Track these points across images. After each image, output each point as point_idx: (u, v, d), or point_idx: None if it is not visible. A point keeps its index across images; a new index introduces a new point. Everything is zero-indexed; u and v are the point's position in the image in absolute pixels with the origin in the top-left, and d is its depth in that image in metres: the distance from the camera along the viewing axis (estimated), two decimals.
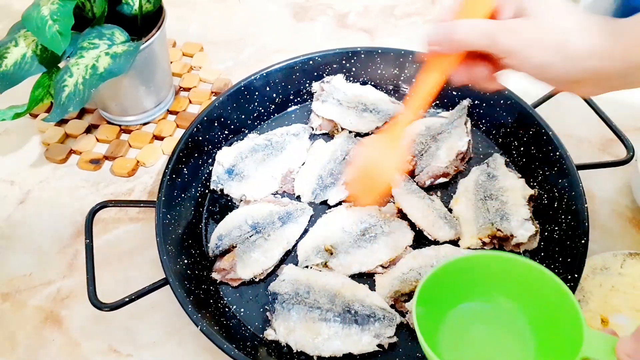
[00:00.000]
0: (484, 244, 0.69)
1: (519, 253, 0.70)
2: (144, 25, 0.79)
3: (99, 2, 0.74)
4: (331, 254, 0.68)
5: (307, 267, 0.68)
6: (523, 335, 0.52)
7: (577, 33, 0.45)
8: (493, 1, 0.48)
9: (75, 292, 0.70)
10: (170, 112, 0.91)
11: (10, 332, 0.66)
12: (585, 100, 0.79)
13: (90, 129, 0.88)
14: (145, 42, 0.76)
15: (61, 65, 0.73)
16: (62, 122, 0.88)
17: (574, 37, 0.45)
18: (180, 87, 0.94)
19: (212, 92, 0.94)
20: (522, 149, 0.79)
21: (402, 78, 0.88)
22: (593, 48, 0.44)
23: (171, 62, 0.95)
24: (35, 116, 0.90)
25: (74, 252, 0.74)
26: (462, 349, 0.52)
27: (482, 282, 0.54)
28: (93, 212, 0.67)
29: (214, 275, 0.68)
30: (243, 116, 0.83)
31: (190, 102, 0.92)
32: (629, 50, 0.44)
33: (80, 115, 0.90)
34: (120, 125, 0.88)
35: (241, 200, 0.75)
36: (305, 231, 0.72)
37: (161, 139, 0.87)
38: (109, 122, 0.89)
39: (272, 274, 0.69)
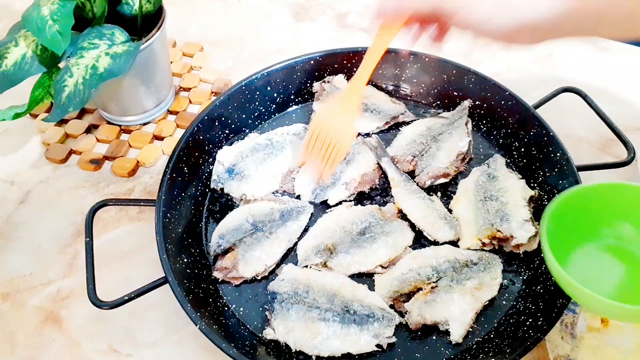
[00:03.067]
0: (484, 244, 0.70)
1: (518, 254, 0.70)
2: (144, 25, 0.79)
3: (99, 2, 0.74)
4: (331, 252, 0.68)
5: (306, 266, 0.68)
6: None
7: None
8: None
9: (75, 292, 0.70)
10: (170, 112, 0.91)
11: (10, 332, 0.67)
12: (586, 101, 0.79)
13: (90, 129, 0.88)
14: (146, 42, 0.76)
15: (61, 65, 0.73)
16: (62, 122, 0.88)
17: None
18: (181, 87, 0.94)
19: (212, 92, 0.94)
20: (522, 150, 0.79)
21: (402, 78, 0.88)
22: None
23: (171, 62, 0.95)
24: (35, 116, 0.90)
25: (74, 252, 0.74)
26: (590, 277, 0.55)
27: (614, 211, 0.57)
28: (93, 210, 0.67)
29: (216, 274, 0.68)
30: (244, 115, 0.83)
31: (190, 102, 0.92)
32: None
33: (80, 116, 0.90)
34: (120, 126, 0.88)
35: (241, 200, 0.76)
36: (305, 230, 0.72)
37: (161, 139, 0.87)
38: (109, 122, 0.89)
39: (272, 273, 0.69)
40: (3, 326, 0.67)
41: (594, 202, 0.58)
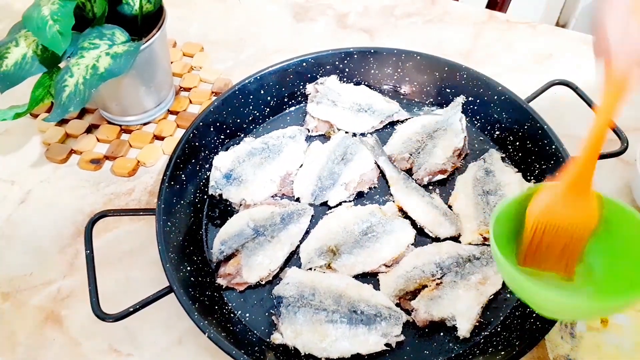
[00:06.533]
0: (485, 239, 0.70)
1: None
2: (144, 25, 0.79)
3: (100, 2, 0.74)
4: (334, 253, 0.68)
5: (310, 269, 0.68)
6: (592, 266, 0.54)
7: None
8: None
9: (75, 291, 0.70)
10: (170, 112, 0.91)
11: (11, 331, 0.66)
12: (577, 92, 0.79)
13: (90, 129, 0.88)
14: (146, 42, 0.76)
15: (62, 65, 0.73)
16: (62, 122, 0.88)
17: None
18: (181, 87, 0.95)
19: (213, 92, 0.94)
20: (517, 143, 0.79)
21: (395, 77, 0.88)
22: None
23: (171, 62, 0.95)
24: (35, 116, 0.90)
25: (74, 252, 0.74)
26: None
27: None
28: (92, 222, 0.66)
29: (220, 280, 0.68)
30: (239, 120, 0.83)
31: (190, 102, 0.92)
32: None
33: (80, 115, 0.90)
34: (120, 125, 0.88)
35: (241, 205, 0.75)
36: (307, 233, 0.72)
37: (162, 139, 0.87)
38: (109, 122, 0.89)
39: (275, 278, 0.69)
40: (3, 326, 0.67)
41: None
